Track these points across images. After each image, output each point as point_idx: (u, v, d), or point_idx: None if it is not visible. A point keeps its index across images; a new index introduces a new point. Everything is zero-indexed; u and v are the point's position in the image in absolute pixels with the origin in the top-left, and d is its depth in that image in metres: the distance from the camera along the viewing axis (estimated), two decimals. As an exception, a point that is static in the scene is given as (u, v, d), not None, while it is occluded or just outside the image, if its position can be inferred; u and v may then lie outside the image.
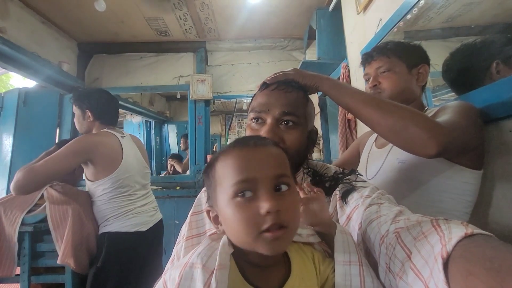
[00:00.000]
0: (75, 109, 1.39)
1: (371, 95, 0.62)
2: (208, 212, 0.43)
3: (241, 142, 0.40)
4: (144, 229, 1.33)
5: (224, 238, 0.39)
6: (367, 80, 0.90)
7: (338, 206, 0.54)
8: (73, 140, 1.27)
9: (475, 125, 0.64)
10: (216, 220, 0.41)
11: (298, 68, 2.16)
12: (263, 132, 0.56)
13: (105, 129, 1.39)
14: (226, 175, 0.38)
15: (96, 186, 1.30)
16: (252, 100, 0.64)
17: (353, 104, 0.61)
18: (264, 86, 0.61)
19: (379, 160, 0.84)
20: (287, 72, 0.63)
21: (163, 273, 0.62)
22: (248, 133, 0.61)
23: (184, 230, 0.60)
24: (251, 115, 0.60)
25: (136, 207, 1.35)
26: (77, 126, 1.42)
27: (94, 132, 1.39)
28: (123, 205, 1.31)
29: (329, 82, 0.63)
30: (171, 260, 0.61)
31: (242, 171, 0.37)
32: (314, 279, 0.40)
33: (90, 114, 1.36)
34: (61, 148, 1.23)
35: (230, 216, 0.37)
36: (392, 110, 0.58)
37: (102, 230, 1.29)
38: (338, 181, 0.56)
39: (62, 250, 1.17)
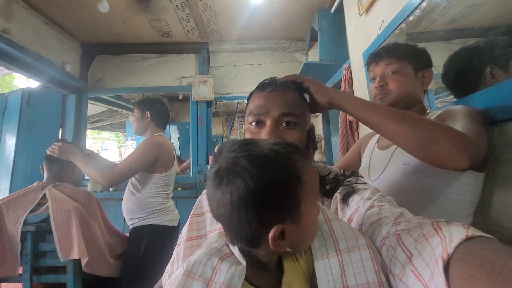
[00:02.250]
0: (136, 111, 1.61)
1: (393, 108, 0.61)
2: (274, 233, 0.34)
3: (298, 152, 0.38)
4: (176, 224, 1.54)
5: (241, 269, 0.37)
6: (372, 79, 0.90)
7: (338, 208, 0.54)
8: (144, 141, 1.49)
9: (487, 131, 0.64)
10: (280, 237, 0.36)
11: (300, 69, 2.16)
12: (263, 134, 0.55)
13: (161, 133, 1.61)
14: (313, 184, 0.38)
15: (148, 178, 1.48)
16: (248, 102, 0.63)
17: (376, 118, 0.58)
18: (261, 88, 0.61)
19: (383, 162, 0.84)
20: (300, 75, 0.63)
21: (163, 275, 0.62)
22: (247, 137, 0.60)
23: (184, 231, 0.60)
24: (250, 118, 0.59)
25: (171, 204, 1.58)
26: (134, 126, 1.64)
27: (148, 132, 1.60)
28: (164, 202, 1.52)
29: (343, 95, 0.62)
30: (171, 262, 0.61)
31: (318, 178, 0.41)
32: (300, 271, 0.41)
33: (148, 115, 1.59)
34: (136, 149, 1.47)
35: (313, 223, 0.39)
36: (419, 123, 0.56)
37: (143, 222, 1.44)
38: (338, 183, 0.56)
39: (78, 245, 1.18)
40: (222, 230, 0.50)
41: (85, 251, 1.19)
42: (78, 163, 1.41)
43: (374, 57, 0.89)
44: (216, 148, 0.43)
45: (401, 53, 0.84)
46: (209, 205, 0.39)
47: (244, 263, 0.37)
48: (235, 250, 0.39)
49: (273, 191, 0.34)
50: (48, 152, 1.44)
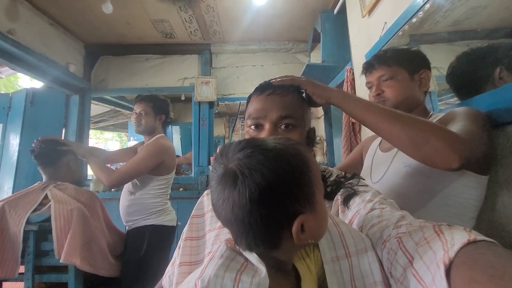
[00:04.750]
0: (149, 109, 1.57)
1: (388, 108, 0.61)
2: (298, 225, 0.33)
3: (302, 148, 0.39)
4: (174, 224, 1.57)
5: (263, 277, 0.34)
6: (369, 88, 0.90)
7: (339, 211, 0.54)
8: (151, 145, 1.52)
9: (487, 133, 0.63)
10: (301, 229, 0.34)
11: (302, 70, 2.16)
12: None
13: (163, 135, 1.63)
14: (318, 171, 0.38)
15: (151, 180, 1.50)
16: (247, 105, 0.64)
17: (371, 117, 0.60)
18: (259, 91, 0.61)
19: (385, 164, 0.84)
20: (296, 77, 0.63)
21: (163, 275, 0.62)
22: None
23: (184, 231, 0.61)
24: (249, 122, 0.59)
25: (169, 205, 1.61)
26: (143, 122, 1.57)
27: (155, 134, 1.59)
28: (164, 203, 1.55)
29: (340, 94, 0.62)
30: (171, 263, 0.61)
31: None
32: (311, 277, 0.40)
33: (162, 118, 1.63)
34: (142, 151, 1.48)
35: (325, 210, 0.38)
36: (412, 123, 0.57)
37: (143, 223, 1.46)
38: (340, 185, 0.56)
39: (66, 249, 1.17)
40: (222, 229, 0.48)
41: (74, 256, 1.18)
42: (90, 162, 1.45)
43: (367, 66, 0.90)
44: (218, 149, 0.42)
45: (392, 59, 0.84)
46: (220, 211, 0.35)
47: (264, 270, 0.34)
48: (252, 256, 0.36)
49: (291, 181, 0.33)
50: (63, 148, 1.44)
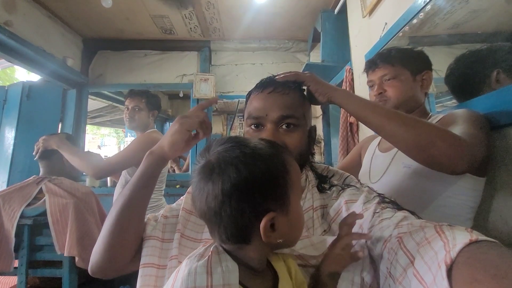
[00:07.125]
0: (143, 105, 1.55)
1: (393, 109, 0.61)
2: (266, 222, 0.34)
3: (283, 150, 0.41)
4: None
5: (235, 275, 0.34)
6: (371, 87, 0.90)
7: (344, 210, 0.54)
8: (141, 138, 1.48)
9: (486, 135, 0.64)
10: (270, 229, 0.35)
11: (302, 69, 2.15)
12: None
13: (155, 130, 1.60)
14: (297, 177, 0.39)
15: None
16: (247, 103, 0.61)
17: (375, 119, 0.59)
18: (260, 88, 0.59)
19: (384, 164, 0.84)
20: (300, 73, 0.61)
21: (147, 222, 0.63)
22: None
23: (182, 201, 0.60)
24: (248, 121, 0.58)
25: (164, 201, 1.58)
26: (136, 118, 1.55)
27: (147, 130, 1.57)
28: (158, 199, 1.52)
29: (343, 93, 0.61)
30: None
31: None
32: (289, 280, 0.40)
33: (155, 114, 1.61)
34: (133, 142, 1.46)
35: (300, 213, 0.39)
36: (417, 125, 0.56)
37: None
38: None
39: (68, 242, 1.17)
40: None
41: (75, 249, 1.17)
42: (63, 151, 1.36)
43: (370, 65, 0.89)
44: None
45: (396, 59, 0.83)
46: (196, 202, 0.37)
47: (235, 262, 0.35)
48: (225, 256, 0.36)
49: (264, 179, 0.35)
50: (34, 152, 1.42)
